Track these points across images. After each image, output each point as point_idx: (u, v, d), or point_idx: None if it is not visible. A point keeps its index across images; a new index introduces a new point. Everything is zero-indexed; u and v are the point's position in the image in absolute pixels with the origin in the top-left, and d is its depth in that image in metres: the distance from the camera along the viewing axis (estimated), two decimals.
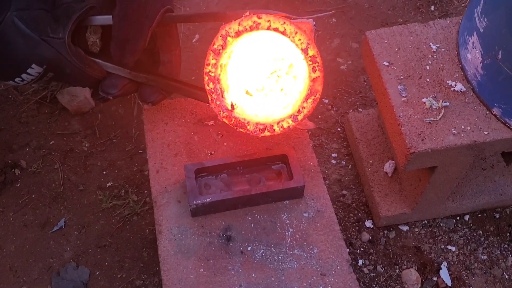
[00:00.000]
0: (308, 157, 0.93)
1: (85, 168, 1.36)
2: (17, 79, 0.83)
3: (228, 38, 0.81)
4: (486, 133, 0.95)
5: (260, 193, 0.85)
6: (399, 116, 0.97)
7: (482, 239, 1.25)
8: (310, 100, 0.85)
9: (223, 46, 0.82)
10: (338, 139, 1.40)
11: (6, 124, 1.43)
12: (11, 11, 0.77)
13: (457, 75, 1.01)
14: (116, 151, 1.39)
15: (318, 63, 0.82)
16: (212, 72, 0.85)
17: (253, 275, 0.81)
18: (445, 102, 0.98)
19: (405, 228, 1.26)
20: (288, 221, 0.87)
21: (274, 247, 0.84)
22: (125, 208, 1.29)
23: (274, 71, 0.91)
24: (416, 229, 1.26)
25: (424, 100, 0.99)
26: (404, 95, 0.99)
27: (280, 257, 0.83)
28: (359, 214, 1.28)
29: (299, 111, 0.86)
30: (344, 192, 1.31)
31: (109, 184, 1.33)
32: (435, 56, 1.04)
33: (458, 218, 1.27)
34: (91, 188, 1.33)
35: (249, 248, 0.84)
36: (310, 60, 0.81)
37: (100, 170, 1.36)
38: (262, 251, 0.84)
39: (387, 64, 1.03)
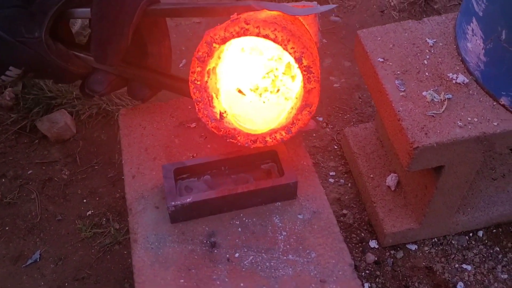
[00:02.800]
0: (301, 156, 0.84)
1: (64, 197, 1.26)
2: None
3: (214, 45, 0.74)
4: (495, 124, 0.86)
5: (248, 191, 0.75)
6: (398, 111, 0.89)
7: (500, 256, 1.13)
8: (305, 112, 0.77)
9: (209, 53, 0.75)
10: (335, 157, 1.31)
11: None
12: None
13: (457, 67, 0.94)
14: (98, 178, 1.29)
15: (313, 73, 0.74)
16: (197, 81, 0.77)
17: (242, 284, 0.70)
18: (447, 94, 0.90)
19: (413, 247, 1.14)
20: (280, 224, 0.76)
21: (265, 253, 0.73)
22: (106, 237, 1.18)
23: (270, 70, 0.83)
24: (426, 248, 1.14)
25: (424, 93, 0.91)
26: (402, 90, 0.92)
27: (272, 264, 0.72)
28: (362, 234, 1.17)
29: (293, 123, 0.78)
30: (345, 211, 1.21)
31: (89, 212, 1.23)
32: (432, 51, 0.97)
33: (471, 234, 1.16)
34: (70, 218, 1.23)
35: (236, 255, 0.73)
36: (304, 71, 0.74)
37: (80, 199, 1.26)
38: (251, 257, 0.73)
39: (382, 60, 0.96)
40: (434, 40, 0.98)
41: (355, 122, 1.37)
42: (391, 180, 1.16)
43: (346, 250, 0.74)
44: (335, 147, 1.32)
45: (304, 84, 0.75)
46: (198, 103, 0.79)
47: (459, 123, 0.86)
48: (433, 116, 0.88)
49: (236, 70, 0.82)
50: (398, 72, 0.94)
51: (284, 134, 0.78)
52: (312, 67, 0.73)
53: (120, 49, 0.77)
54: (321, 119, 1.38)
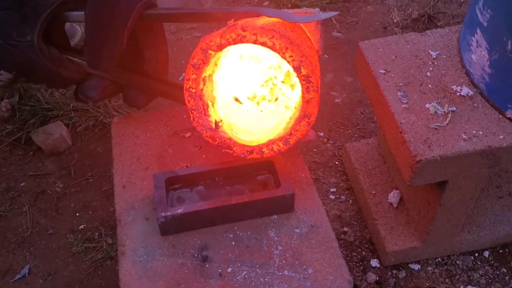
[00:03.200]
0: (299, 168, 0.81)
1: (56, 210, 1.23)
2: None
3: (210, 51, 0.72)
4: (501, 137, 0.83)
5: (242, 203, 0.71)
6: (400, 123, 0.86)
7: (507, 278, 1.09)
8: (303, 123, 0.74)
9: (204, 60, 0.73)
10: (336, 173, 1.27)
11: None
12: None
13: (462, 80, 0.92)
14: (92, 192, 1.26)
15: (312, 83, 0.71)
16: (192, 88, 0.75)
17: None
18: (451, 107, 0.87)
19: (416, 267, 1.10)
20: (276, 238, 0.72)
21: (259, 268, 0.69)
22: (98, 252, 1.14)
23: (269, 78, 0.80)
24: (430, 268, 1.10)
25: (427, 106, 0.88)
26: (404, 102, 0.89)
27: (267, 279, 0.68)
28: (363, 253, 1.13)
29: (291, 134, 0.75)
30: (345, 229, 1.17)
31: (81, 226, 1.20)
32: (435, 63, 0.95)
33: (476, 254, 1.12)
34: (62, 232, 1.19)
35: (229, 270, 0.69)
36: (303, 80, 0.71)
37: (73, 212, 1.23)
38: (245, 272, 0.69)
39: (384, 72, 0.94)
40: (438, 52, 0.96)
41: (357, 138, 1.34)
42: (393, 196, 1.12)
43: (345, 266, 0.70)
44: (336, 163, 1.29)
45: (303, 94, 0.72)
46: (192, 112, 0.76)
47: (464, 136, 0.83)
48: (436, 128, 0.85)
49: (233, 77, 0.80)
50: (401, 84, 0.91)
51: (281, 145, 0.75)
52: (311, 77, 0.70)
53: (114, 54, 0.75)
54: (322, 134, 1.35)
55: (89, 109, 1.38)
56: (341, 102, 1.42)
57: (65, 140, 1.33)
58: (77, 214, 1.22)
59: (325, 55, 1.54)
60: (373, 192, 1.15)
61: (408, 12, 1.63)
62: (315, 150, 1.31)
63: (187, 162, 0.82)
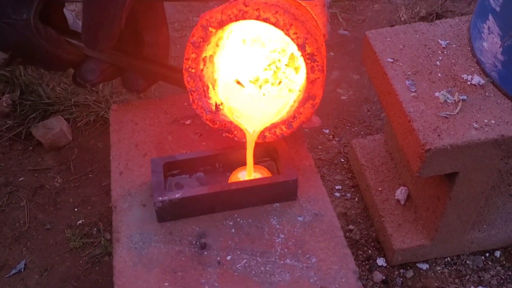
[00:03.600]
0: (303, 156, 0.78)
1: (54, 205, 1.20)
2: None
3: (210, 29, 0.69)
4: None
5: (243, 188, 0.68)
6: (409, 112, 0.83)
7: None
8: (308, 105, 0.71)
9: (204, 38, 0.70)
10: (342, 170, 1.24)
11: None
12: None
13: (472, 69, 0.88)
14: (91, 187, 1.23)
15: (317, 62, 0.68)
16: (192, 68, 0.72)
17: None
18: (462, 95, 0.84)
19: (424, 266, 1.06)
20: (278, 226, 0.69)
21: (260, 256, 0.66)
22: (96, 248, 1.11)
23: (272, 62, 0.77)
24: (438, 268, 1.06)
25: (437, 94, 0.85)
26: (413, 90, 0.86)
27: (268, 268, 0.65)
28: (369, 251, 1.09)
29: (294, 117, 0.72)
30: (351, 227, 1.13)
31: (80, 221, 1.17)
32: (445, 52, 0.92)
33: (487, 254, 1.08)
34: (60, 227, 1.16)
35: (228, 258, 0.66)
36: (308, 59, 0.68)
37: (72, 207, 1.20)
38: (245, 261, 0.65)
39: (392, 60, 0.91)
40: (447, 41, 0.93)
41: (363, 135, 1.30)
42: (400, 193, 1.08)
43: (350, 256, 0.66)
44: (342, 160, 1.26)
45: (307, 74, 0.69)
46: (192, 93, 0.73)
47: (475, 125, 0.80)
48: (446, 117, 0.81)
49: (235, 60, 0.77)
50: (409, 73, 0.88)
51: (284, 129, 0.72)
52: (316, 55, 0.67)
53: (112, 34, 0.72)
54: (327, 131, 1.31)
55: (91, 104, 1.35)
56: (347, 100, 1.39)
57: (65, 135, 1.31)
58: (76, 209, 1.19)
59: (331, 53, 1.52)
60: (380, 189, 1.11)
61: (415, 10, 1.60)
62: (320, 147, 1.28)
63: (187, 149, 0.79)
